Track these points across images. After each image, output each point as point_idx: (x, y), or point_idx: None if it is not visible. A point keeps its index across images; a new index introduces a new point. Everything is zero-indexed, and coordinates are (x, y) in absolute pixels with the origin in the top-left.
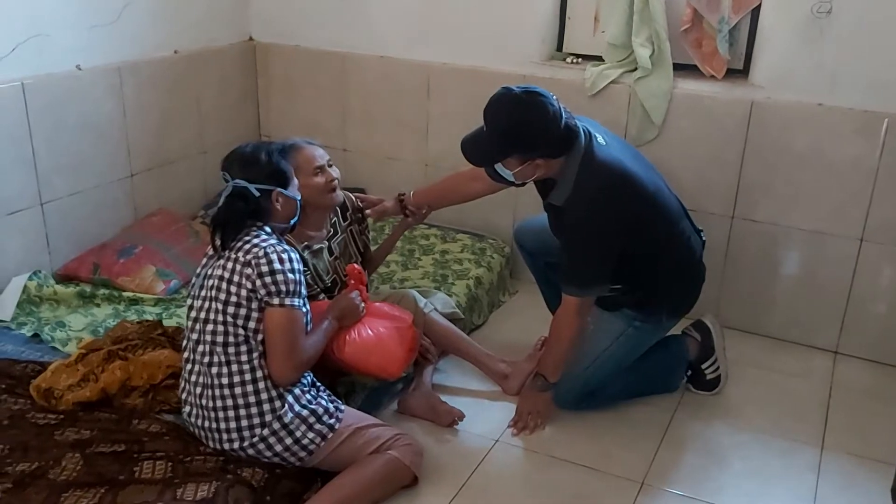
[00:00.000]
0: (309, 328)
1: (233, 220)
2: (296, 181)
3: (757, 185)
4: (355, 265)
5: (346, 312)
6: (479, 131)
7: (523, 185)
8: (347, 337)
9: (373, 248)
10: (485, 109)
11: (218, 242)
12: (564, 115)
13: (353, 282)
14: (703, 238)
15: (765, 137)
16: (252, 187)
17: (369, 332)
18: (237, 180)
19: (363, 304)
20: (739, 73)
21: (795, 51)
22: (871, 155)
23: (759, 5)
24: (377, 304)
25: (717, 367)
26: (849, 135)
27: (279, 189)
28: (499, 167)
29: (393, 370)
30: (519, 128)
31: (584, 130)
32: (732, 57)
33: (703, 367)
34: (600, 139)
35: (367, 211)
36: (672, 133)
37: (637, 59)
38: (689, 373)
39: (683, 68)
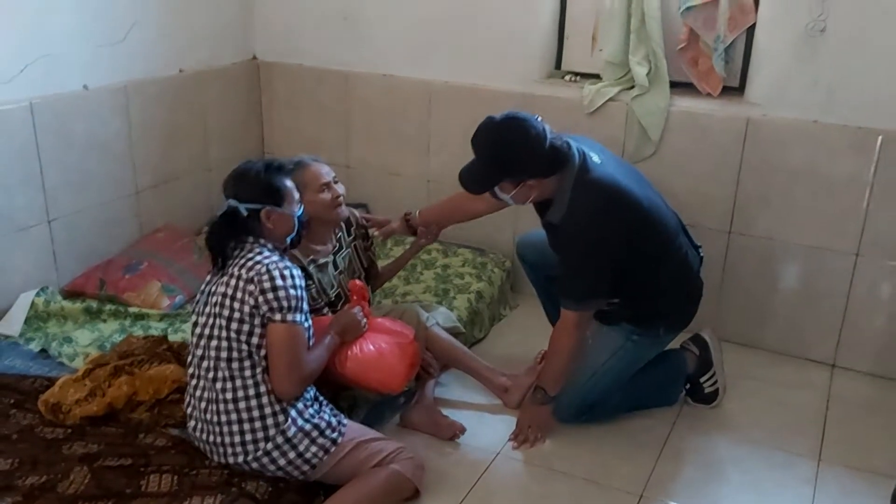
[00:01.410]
0: (311, 343)
1: (222, 238)
2: (295, 197)
3: (753, 200)
4: (357, 281)
5: (348, 328)
6: (473, 161)
7: (525, 204)
8: (349, 352)
9: (381, 264)
10: (471, 140)
11: (217, 260)
12: (549, 136)
13: (355, 297)
14: (702, 254)
15: (761, 154)
16: (242, 207)
17: (371, 347)
18: (230, 199)
19: (365, 320)
20: (735, 90)
21: (790, 68)
22: (866, 171)
23: (755, 24)
24: (379, 319)
25: (716, 381)
26: (843, 151)
27: (270, 207)
28: (497, 191)
29: (394, 385)
30: (503, 153)
31: (577, 150)
32: (728, 75)
33: (702, 380)
34: (595, 157)
35: (374, 231)
36: (669, 150)
37: (634, 77)
38: (688, 386)
39: (680, 86)
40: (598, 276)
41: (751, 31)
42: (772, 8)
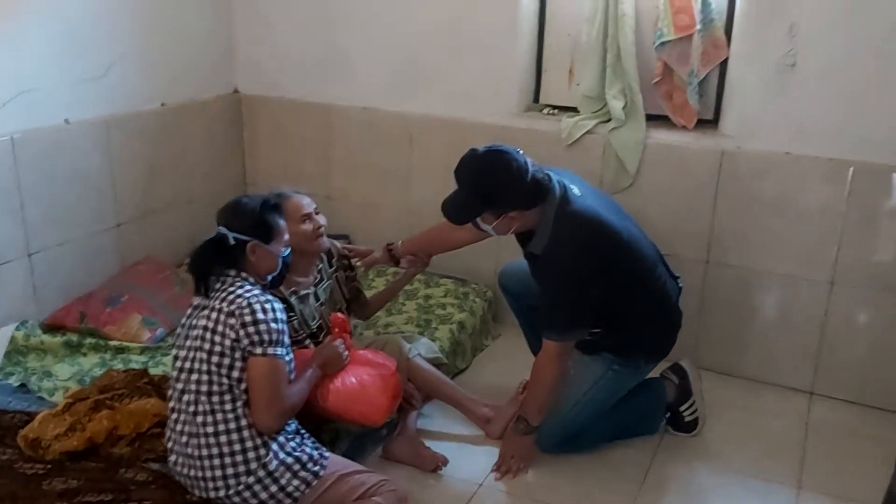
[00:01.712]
0: (292, 376)
1: (206, 263)
2: (284, 238)
3: (729, 230)
4: (339, 314)
5: (329, 361)
6: (455, 192)
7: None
8: (331, 385)
9: (368, 293)
10: (455, 172)
11: (199, 285)
12: (531, 169)
13: (336, 330)
14: (680, 284)
15: (735, 185)
16: (230, 235)
17: (353, 380)
18: (220, 227)
19: (347, 352)
20: (709, 123)
21: (762, 102)
22: (839, 201)
23: (727, 59)
24: (361, 351)
25: (696, 409)
26: (816, 182)
27: (257, 241)
28: (479, 222)
29: (376, 417)
30: (486, 185)
31: (557, 182)
32: (702, 108)
33: (682, 409)
34: (575, 190)
35: (357, 262)
36: (646, 181)
37: (611, 111)
38: (669, 415)
39: (656, 119)
40: (579, 306)
41: (723, 65)
42: (743, 43)
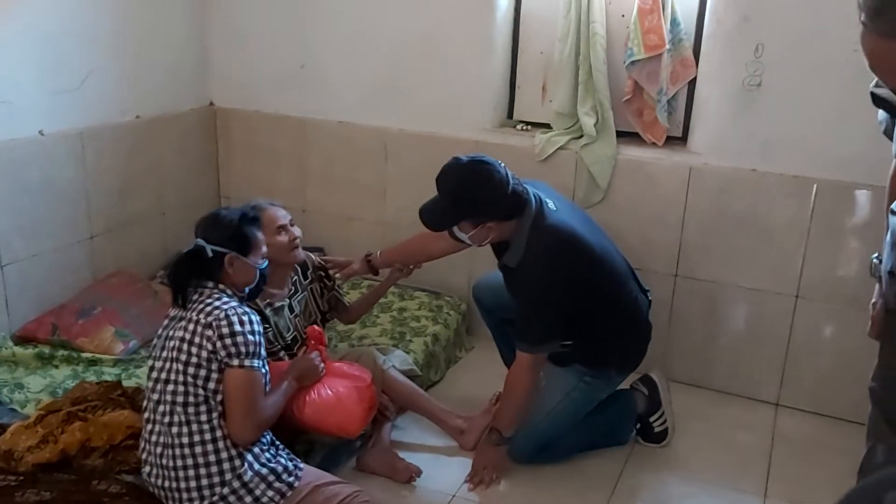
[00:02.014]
0: (268, 388)
1: (183, 275)
2: (262, 251)
3: (697, 245)
4: (315, 326)
5: (305, 373)
6: (435, 199)
7: (482, 245)
8: (307, 398)
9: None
10: (436, 178)
11: (176, 296)
12: (512, 182)
13: (312, 342)
14: (650, 297)
15: (703, 200)
16: (208, 247)
17: (329, 392)
18: (198, 239)
19: (323, 365)
20: (678, 140)
21: (729, 120)
22: (803, 217)
23: (695, 78)
24: (336, 363)
25: (665, 420)
26: (781, 198)
27: (235, 254)
28: (456, 231)
29: (352, 429)
30: (467, 194)
31: (534, 196)
32: (671, 125)
33: (652, 420)
34: (550, 204)
35: (335, 273)
36: (617, 196)
37: (583, 127)
38: (639, 426)
39: (626, 136)
40: (552, 319)
41: (692, 84)
42: (711, 63)
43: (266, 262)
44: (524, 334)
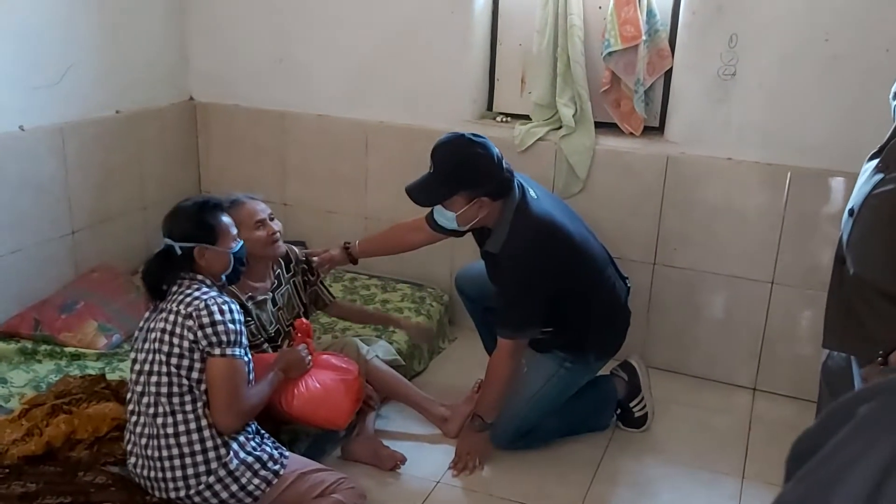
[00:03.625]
0: (251, 377)
1: (157, 276)
2: (232, 233)
3: (675, 233)
4: (303, 319)
5: (292, 365)
6: (425, 176)
7: (463, 234)
8: (296, 390)
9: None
10: (433, 150)
11: (152, 297)
12: (505, 164)
13: (299, 335)
14: (629, 285)
15: (680, 189)
16: (176, 246)
17: (317, 384)
18: (165, 239)
19: (310, 357)
20: (655, 130)
21: (705, 110)
22: (777, 205)
23: (672, 68)
24: (324, 356)
25: (644, 406)
26: (756, 186)
27: (203, 245)
28: (440, 213)
29: (339, 422)
30: (467, 164)
31: (517, 184)
32: (648, 115)
33: (631, 405)
34: (532, 193)
35: (315, 260)
36: (596, 186)
37: (561, 118)
38: (619, 411)
39: (604, 126)
40: (533, 306)
41: (668, 74)
42: (686, 53)
43: (240, 244)
44: (505, 320)
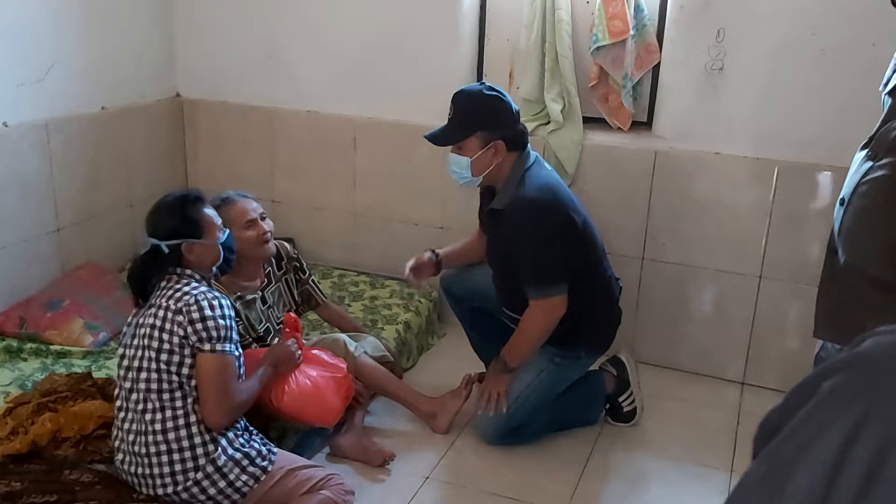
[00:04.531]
0: (241, 372)
1: (145, 276)
2: (217, 223)
3: (664, 228)
4: (292, 314)
5: (282, 360)
6: (444, 125)
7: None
8: (286, 387)
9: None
10: (454, 96)
11: (137, 298)
12: (521, 124)
13: (288, 330)
14: (620, 284)
15: (669, 184)
16: (163, 244)
17: (307, 381)
18: (150, 238)
19: (300, 352)
20: (643, 125)
21: (693, 104)
22: (765, 199)
23: (659, 63)
24: (314, 351)
25: (633, 400)
26: (744, 181)
27: (190, 240)
28: (456, 162)
29: (329, 419)
30: (486, 106)
31: (532, 152)
32: (637, 110)
33: (620, 400)
34: (545, 164)
35: (411, 273)
36: (584, 181)
37: (549, 114)
38: (608, 406)
39: (592, 121)
40: (549, 258)
41: (656, 69)
42: (674, 48)
43: (227, 233)
44: (529, 278)
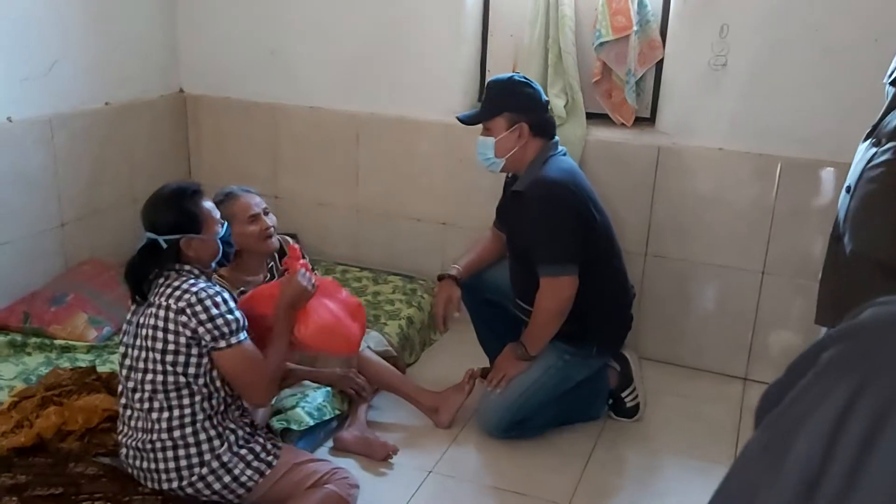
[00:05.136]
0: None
1: (143, 272)
2: (215, 217)
3: (666, 223)
4: (295, 245)
5: (297, 297)
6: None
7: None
8: (308, 320)
9: None
10: (487, 84)
11: (134, 295)
12: (550, 115)
13: (291, 261)
14: (634, 292)
15: (672, 180)
16: (161, 240)
17: (328, 315)
18: (148, 233)
19: (313, 280)
20: (647, 120)
21: (696, 100)
22: (768, 194)
23: (663, 59)
24: (326, 279)
25: (636, 396)
26: (747, 176)
27: (189, 235)
28: (482, 143)
29: (353, 347)
30: (516, 89)
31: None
32: (640, 106)
33: (623, 395)
34: (570, 159)
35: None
36: (587, 177)
37: (553, 109)
38: (611, 401)
39: (596, 117)
40: (568, 236)
41: (659, 65)
42: (678, 44)
43: (225, 226)
44: (543, 256)
